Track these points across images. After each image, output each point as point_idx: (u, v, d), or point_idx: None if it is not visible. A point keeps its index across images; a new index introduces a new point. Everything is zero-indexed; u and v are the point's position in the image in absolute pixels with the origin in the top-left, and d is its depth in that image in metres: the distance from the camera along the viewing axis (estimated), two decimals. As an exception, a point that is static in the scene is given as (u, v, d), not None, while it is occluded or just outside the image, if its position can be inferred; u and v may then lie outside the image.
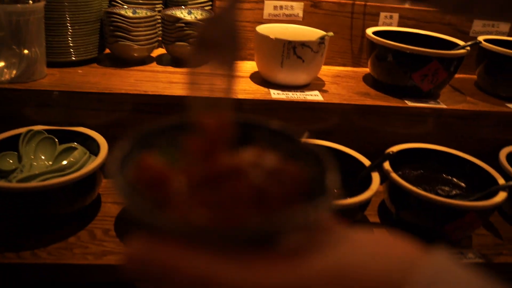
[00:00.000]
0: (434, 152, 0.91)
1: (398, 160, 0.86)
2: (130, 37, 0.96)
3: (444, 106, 0.95)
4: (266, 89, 0.95)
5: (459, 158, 0.89)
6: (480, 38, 1.07)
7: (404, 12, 1.14)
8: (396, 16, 1.14)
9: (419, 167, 0.90)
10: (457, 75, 1.00)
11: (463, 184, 0.87)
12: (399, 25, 1.14)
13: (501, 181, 0.80)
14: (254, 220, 0.24)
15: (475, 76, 1.12)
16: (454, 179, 0.88)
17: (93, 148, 0.81)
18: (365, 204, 0.76)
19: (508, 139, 0.97)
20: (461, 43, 1.00)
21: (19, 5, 0.80)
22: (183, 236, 0.23)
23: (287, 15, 1.11)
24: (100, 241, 0.74)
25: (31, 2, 0.82)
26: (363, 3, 1.12)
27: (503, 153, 0.90)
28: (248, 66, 1.08)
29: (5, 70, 0.82)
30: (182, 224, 0.23)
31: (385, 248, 0.25)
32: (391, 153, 0.83)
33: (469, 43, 0.99)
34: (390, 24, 1.14)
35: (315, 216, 0.24)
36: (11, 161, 0.77)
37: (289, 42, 0.91)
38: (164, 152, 0.29)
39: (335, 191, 0.25)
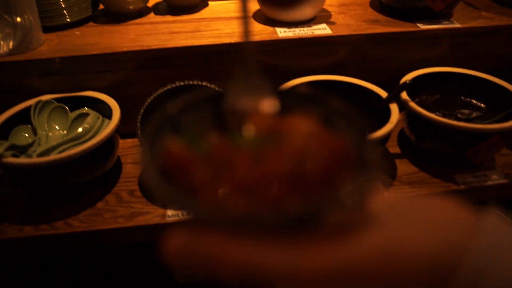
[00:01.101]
0: (450, 74, 0.88)
1: (415, 87, 0.83)
2: (123, -11, 0.91)
3: (458, 25, 0.90)
4: (271, 28, 0.91)
5: (477, 78, 0.86)
6: None
7: None
8: None
9: (437, 91, 0.88)
10: (469, -11, 0.95)
11: (482, 105, 0.85)
12: None
13: (522, 98, 0.78)
14: (294, 202, 0.22)
15: (488, -13, 1.06)
16: (473, 101, 0.86)
17: (105, 111, 0.80)
18: (386, 137, 0.75)
19: (527, 52, 0.93)
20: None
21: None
22: (223, 225, 0.22)
23: None
24: (127, 203, 0.75)
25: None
26: None
27: (522, 68, 0.87)
28: (250, 5, 1.03)
29: (2, 42, 0.79)
30: (220, 214, 0.22)
31: (436, 215, 0.24)
32: (407, 82, 0.80)
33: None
34: None
35: (360, 195, 0.22)
36: (26, 135, 0.76)
37: (291, -25, 0.85)
38: (191, 134, 0.27)
39: (377, 162, 0.23)
